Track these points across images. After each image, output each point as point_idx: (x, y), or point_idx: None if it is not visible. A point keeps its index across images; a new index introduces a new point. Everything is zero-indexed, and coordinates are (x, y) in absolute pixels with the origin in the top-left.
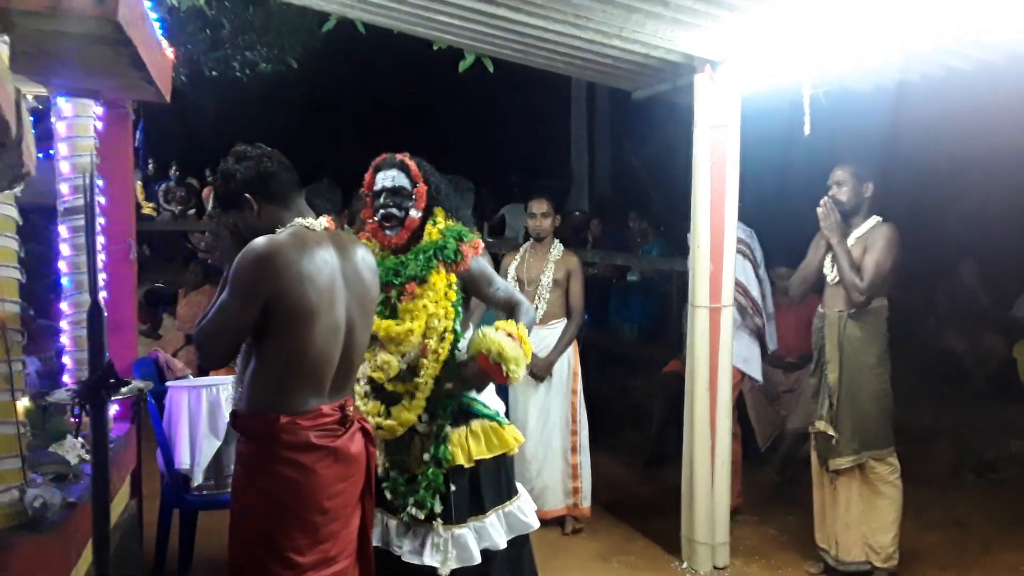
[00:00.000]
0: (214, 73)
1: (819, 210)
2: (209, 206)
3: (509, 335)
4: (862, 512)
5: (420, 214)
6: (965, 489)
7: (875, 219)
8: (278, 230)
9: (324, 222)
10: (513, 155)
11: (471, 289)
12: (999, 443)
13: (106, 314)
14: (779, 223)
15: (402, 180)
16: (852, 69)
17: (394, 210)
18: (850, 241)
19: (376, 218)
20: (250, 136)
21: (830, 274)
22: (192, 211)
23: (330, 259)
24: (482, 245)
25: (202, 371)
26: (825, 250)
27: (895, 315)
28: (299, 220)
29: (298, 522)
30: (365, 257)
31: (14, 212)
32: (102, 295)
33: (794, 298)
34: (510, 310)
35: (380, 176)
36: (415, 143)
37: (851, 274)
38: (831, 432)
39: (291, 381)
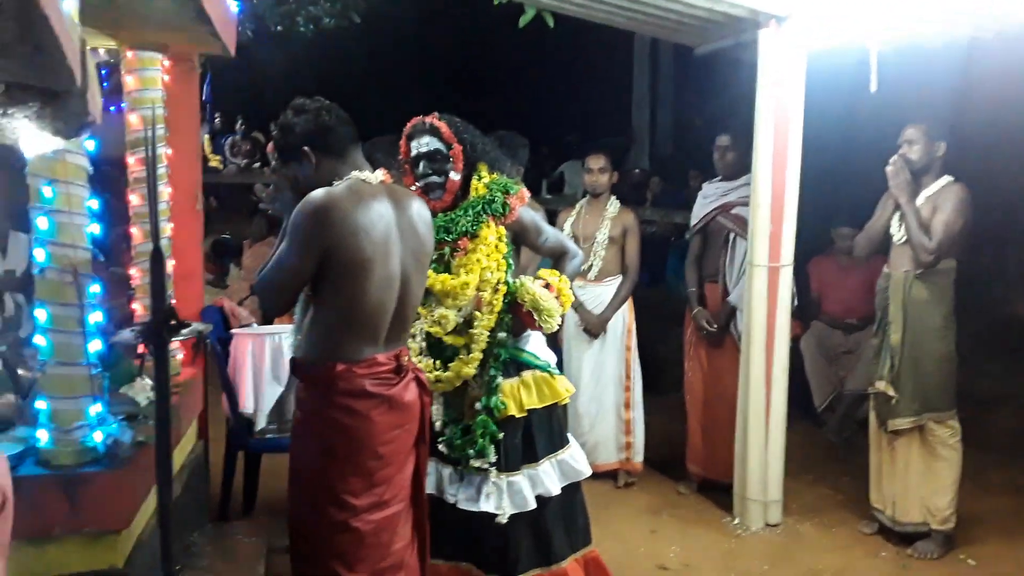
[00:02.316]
0: (278, 28)
1: (888, 168)
2: (272, 159)
3: (547, 285)
4: (920, 474)
5: (459, 176)
6: None
7: (946, 179)
8: (335, 183)
9: (380, 175)
10: (573, 112)
11: (521, 239)
12: None
13: (174, 262)
14: (842, 183)
15: (436, 144)
16: (921, 26)
17: (434, 177)
18: (919, 201)
19: (419, 185)
20: (314, 91)
21: (897, 234)
22: (257, 164)
23: (385, 212)
24: (528, 195)
25: (266, 319)
26: (893, 209)
27: (963, 278)
28: (356, 173)
29: (353, 466)
30: (420, 211)
31: (85, 162)
32: (166, 244)
33: (859, 258)
34: (558, 258)
35: (414, 144)
36: (474, 99)
37: (919, 234)
38: (891, 393)
39: (347, 330)
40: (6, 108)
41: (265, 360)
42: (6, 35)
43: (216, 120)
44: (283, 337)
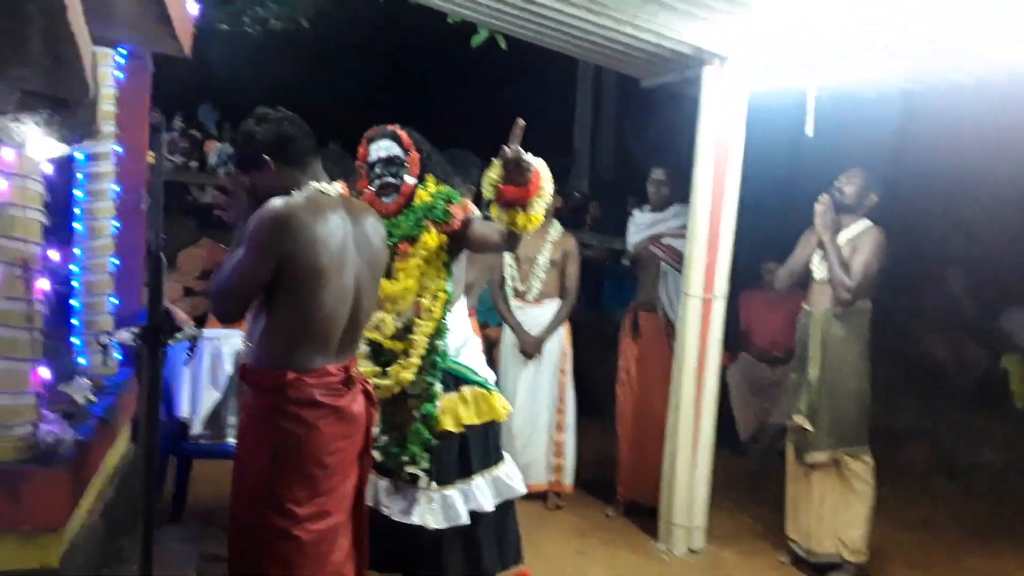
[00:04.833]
0: (224, 26)
1: (817, 206)
2: (211, 159)
3: None
4: (834, 505)
5: (415, 180)
6: (936, 492)
7: (866, 222)
8: (294, 192)
9: (338, 188)
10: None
11: (475, 241)
12: (974, 451)
13: (118, 261)
14: (774, 219)
15: (395, 149)
16: (855, 75)
17: (390, 179)
18: (840, 241)
19: (372, 188)
20: (257, 92)
21: (818, 271)
22: (195, 163)
23: (342, 224)
24: (472, 206)
25: (200, 323)
26: (815, 246)
27: (882, 318)
28: (314, 184)
29: (298, 475)
30: (375, 224)
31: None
32: (111, 241)
33: (780, 290)
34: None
35: (373, 147)
36: (417, 112)
37: (840, 272)
38: (808, 426)
39: (300, 339)
40: (17, 114)
41: (203, 365)
42: (32, 46)
43: (154, 116)
44: (222, 342)
